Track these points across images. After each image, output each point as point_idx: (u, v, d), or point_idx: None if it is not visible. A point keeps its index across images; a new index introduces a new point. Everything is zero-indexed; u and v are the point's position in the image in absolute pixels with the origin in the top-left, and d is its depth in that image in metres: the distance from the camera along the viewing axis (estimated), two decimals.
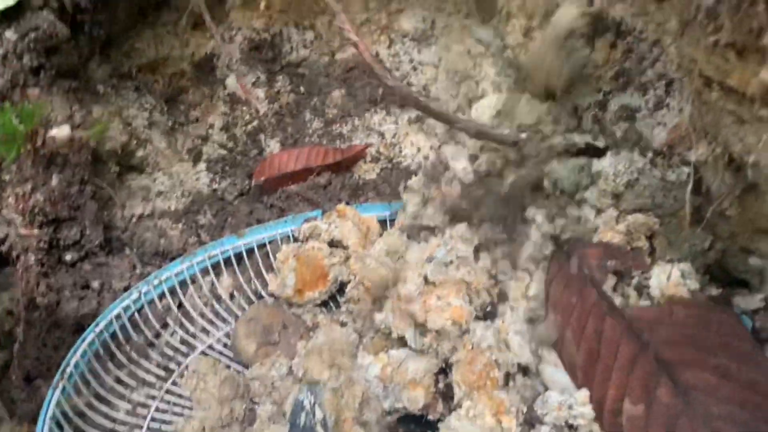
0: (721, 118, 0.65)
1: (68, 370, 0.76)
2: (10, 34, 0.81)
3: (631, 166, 0.79)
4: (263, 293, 0.95)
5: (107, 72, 0.95)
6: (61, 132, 0.83)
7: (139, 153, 1.00)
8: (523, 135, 0.84)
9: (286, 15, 1.13)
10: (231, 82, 1.08)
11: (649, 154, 0.79)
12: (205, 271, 0.95)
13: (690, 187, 0.79)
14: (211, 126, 1.08)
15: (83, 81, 0.91)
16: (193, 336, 0.90)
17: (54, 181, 0.84)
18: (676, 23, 0.69)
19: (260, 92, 1.10)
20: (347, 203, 1.01)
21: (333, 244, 0.94)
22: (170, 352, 0.88)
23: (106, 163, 0.94)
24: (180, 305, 0.92)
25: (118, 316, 0.85)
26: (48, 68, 0.85)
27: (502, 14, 1.12)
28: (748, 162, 0.69)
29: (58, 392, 0.73)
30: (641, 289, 0.76)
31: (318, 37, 1.14)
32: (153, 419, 0.81)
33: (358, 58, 1.16)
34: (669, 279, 0.76)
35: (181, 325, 0.91)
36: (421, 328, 0.75)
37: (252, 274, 0.97)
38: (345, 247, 0.94)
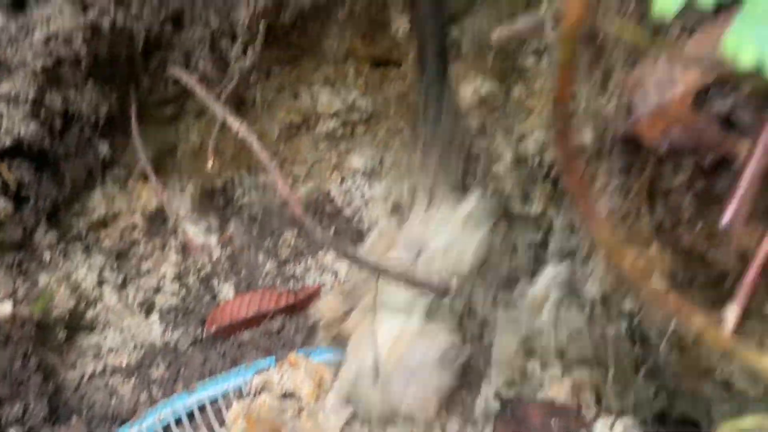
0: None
1: None
2: None
3: (571, 322, 0.81)
4: None
5: (55, 238, 0.97)
6: (2, 309, 0.83)
7: (89, 313, 1.00)
8: (453, 283, 0.86)
9: (238, 160, 1.16)
10: (183, 231, 1.09)
11: (587, 309, 0.80)
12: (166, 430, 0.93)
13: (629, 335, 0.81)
14: (164, 276, 1.09)
15: (29, 251, 0.92)
16: None
17: None
18: None
19: (213, 238, 1.12)
20: (302, 348, 1.01)
21: (286, 395, 0.94)
22: None
23: (53, 329, 0.94)
24: None
25: None
26: None
27: None
28: None
29: None
30: None
31: (270, 179, 1.17)
32: None
33: (311, 197, 1.19)
34: None
35: None
36: None
37: None
38: (299, 399, 0.93)
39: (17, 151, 0.89)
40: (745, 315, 0.38)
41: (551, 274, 0.89)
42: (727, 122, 0.47)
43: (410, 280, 0.86)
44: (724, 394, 0.81)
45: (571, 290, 0.82)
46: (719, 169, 0.48)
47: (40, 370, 0.90)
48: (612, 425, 0.77)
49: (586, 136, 0.54)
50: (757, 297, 0.42)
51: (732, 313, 0.35)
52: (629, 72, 0.48)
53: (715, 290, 0.57)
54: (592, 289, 0.80)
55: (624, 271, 0.34)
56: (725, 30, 0.24)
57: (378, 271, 0.86)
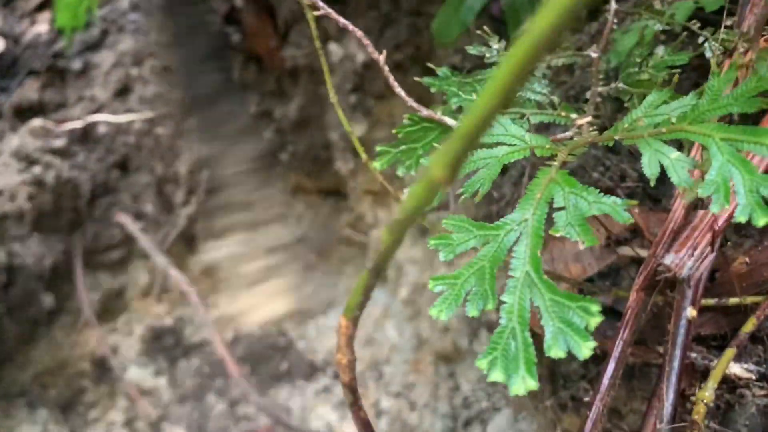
0: None
1: None
2: None
3: None
4: None
5: None
6: None
7: None
8: None
9: (185, 299, 1.16)
10: (130, 375, 1.08)
11: None
12: None
13: None
14: (112, 423, 1.06)
15: None
16: None
17: None
18: None
19: (162, 381, 1.10)
20: None
21: None
22: None
23: None
24: None
25: None
26: None
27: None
28: None
29: None
30: None
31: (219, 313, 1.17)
32: None
33: (265, 329, 1.19)
34: None
35: None
36: None
37: None
38: None
39: None
40: None
41: None
42: (610, 311, 0.48)
43: None
44: None
45: None
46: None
47: None
48: None
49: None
50: None
51: None
52: None
53: None
54: None
55: None
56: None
57: None
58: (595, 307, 0.25)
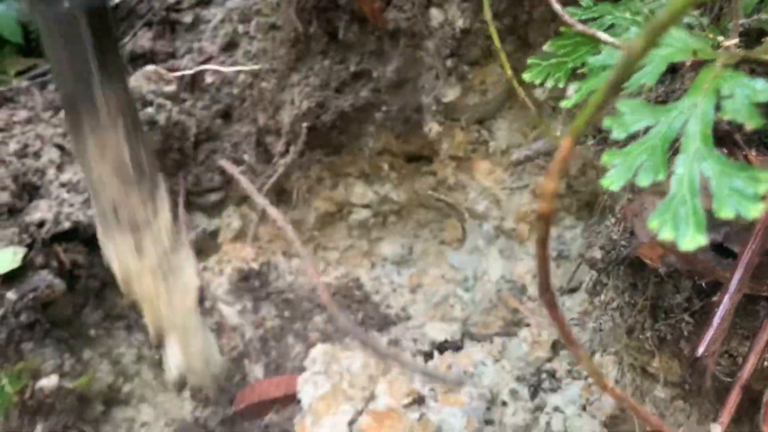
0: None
1: None
2: (11, 295, 0.90)
3: None
4: None
5: (100, 316, 1.03)
6: (49, 383, 0.89)
7: (126, 388, 1.05)
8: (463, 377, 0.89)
9: (274, 245, 1.22)
10: (219, 312, 1.15)
11: None
12: None
13: None
14: None
15: (76, 328, 0.99)
16: None
17: (38, 429, 0.89)
18: None
19: (247, 319, 1.17)
20: None
21: None
22: None
23: (92, 402, 0.99)
24: None
25: None
26: (43, 322, 0.92)
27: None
28: None
29: None
30: None
31: (303, 265, 1.23)
32: None
33: (341, 282, 1.24)
34: None
35: None
36: None
37: None
38: None
39: (74, 234, 0.96)
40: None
41: None
42: (721, 249, 0.51)
43: (429, 374, 0.90)
44: None
45: None
46: (716, 289, 0.52)
47: None
48: None
49: (596, 253, 0.59)
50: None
51: (715, 429, 0.38)
52: (631, 200, 0.53)
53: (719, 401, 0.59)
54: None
55: (614, 394, 0.38)
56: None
57: (396, 362, 0.90)
58: (764, 176, 0.28)
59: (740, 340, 0.54)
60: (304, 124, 1.05)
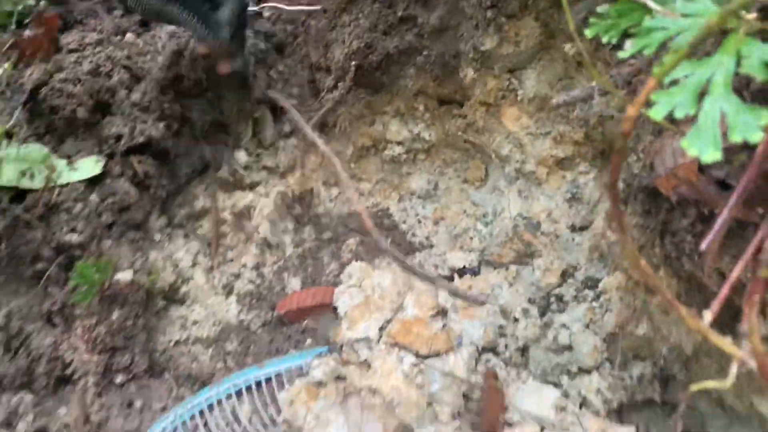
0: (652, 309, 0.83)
1: None
2: (93, 197, 1.02)
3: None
4: (276, 418, 1.10)
5: (164, 223, 1.16)
6: (124, 276, 1.02)
7: (183, 289, 1.18)
8: (486, 298, 1.03)
9: (316, 174, 1.34)
10: (265, 229, 1.28)
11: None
12: (228, 397, 1.11)
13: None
14: (244, 265, 1.27)
15: (144, 232, 1.11)
16: None
17: (114, 315, 1.02)
18: None
19: (288, 238, 1.30)
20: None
21: (339, 378, 1.10)
22: None
23: (154, 298, 1.12)
24: (206, 425, 1.07)
25: None
26: (119, 224, 1.05)
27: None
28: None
29: None
30: None
31: (341, 192, 1.35)
32: None
33: (372, 211, 1.37)
34: None
35: None
36: None
37: (268, 400, 1.12)
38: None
39: (146, 147, 1.08)
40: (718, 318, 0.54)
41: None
42: (722, 184, 0.63)
43: (455, 292, 1.04)
44: (717, 410, 0.96)
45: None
46: (715, 217, 0.65)
47: (145, 330, 1.08)
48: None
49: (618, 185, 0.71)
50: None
51: (707, 315, 0.51)
52: (653, 141, 0.64)
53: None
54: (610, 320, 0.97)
55: (642, 271, 0.50)
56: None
57: (432, 282, 1.03)
58: (765, 113, 0.40)
59: (731, 260, 0.67)
60: (353, 62, 1.15)
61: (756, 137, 0.40)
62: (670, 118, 0.43)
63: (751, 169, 0.54)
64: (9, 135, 1.02)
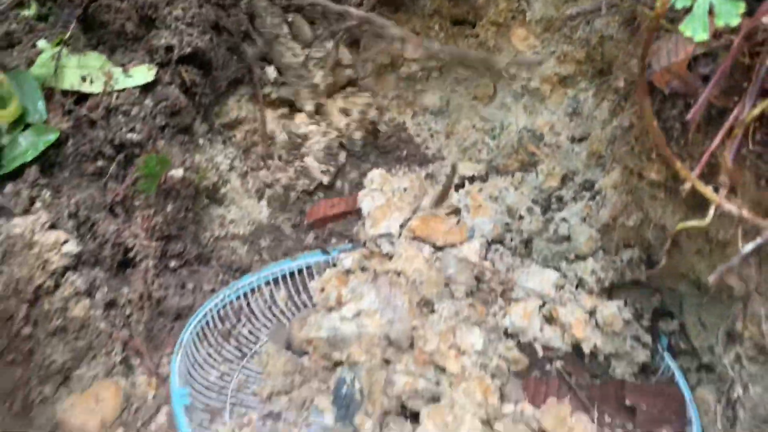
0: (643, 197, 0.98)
1: (182, 342, 1.06)
2: (148, 101, 1.13)
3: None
4: (308, 303, 1.26)
5: (206, 129, 1.27)
6: (177, 173, 1.15)
7: (222, 190, 1.31)
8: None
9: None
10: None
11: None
12: (267, 284, 1.26)
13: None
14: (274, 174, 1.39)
15: (191, 135, 1.23)
16: (258, 329, 1.21)
17: (169, 207, 1.16)
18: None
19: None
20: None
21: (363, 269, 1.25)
22: (243, 340, 1.18)
23: (200, 196, 1.26)
24: (249, 306, 1.22)
25: (209, 310, 1.16)
26: (171, 126, 1.16)
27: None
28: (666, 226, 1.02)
29: (177, 357, 1.03)
30: None
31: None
32: (237, 383, 1.10)
33: (390, 124, 1.49)
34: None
35: (249, 321, 1.21)
36: None
37: (300, 288, 1.27)
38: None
39: (193, 58, 1.19)
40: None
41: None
42: (706, 79, 0.77)
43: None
44: (693, 290, 1.13)
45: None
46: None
47: (194, 222, 1.22)
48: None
49: (620, 82, 0.84)
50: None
51: (697, 169, 0.65)
52: (651, 44, 0.77)
53: None
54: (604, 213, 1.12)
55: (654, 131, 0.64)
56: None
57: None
58: (742, 3, 0.53)
59: (708, 145, 0.81)
60: None
61: (734, 21, 0.53)
62: (670, 19, 0.56)
63: (726, 62, 0.67)
64: (67, 44, 1.13)
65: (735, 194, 0.81)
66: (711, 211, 0.64)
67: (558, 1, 1.33)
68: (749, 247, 0.64)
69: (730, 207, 0.66)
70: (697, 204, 0.90)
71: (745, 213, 0.67)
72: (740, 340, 0.98)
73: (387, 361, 1.07)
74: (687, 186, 0.68)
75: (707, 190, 0.63)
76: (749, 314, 0.90)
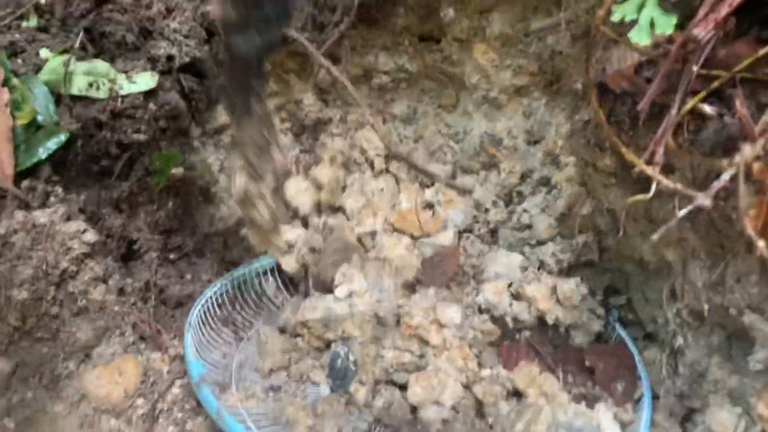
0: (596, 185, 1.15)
1: (191, 322, 1.16)
2: (152, 105, 1.23)
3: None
4: (295, 292, 1.37)
5: (200, 132, 1.38)
6: (178, 171, 1.25)
7: (213, 189, 1.41)
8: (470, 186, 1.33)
9: (332, 96, 1.59)
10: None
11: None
12: (257, 275, 1.37)
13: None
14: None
15: (187, 138, 1.34)
16: (251, 315, 1.31)
17: (170, 203, 1.25)
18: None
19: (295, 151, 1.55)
20: None
21: None
22: (240, 325, 1.28)
23: (195, 194, 1.36)
24: (242, 295, 1.33)
25: (209, 298, 1.25)
26: (172, 128, 1.27)
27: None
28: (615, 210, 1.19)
29: (189, 334, 1.13)
30: None
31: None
32: (238, 362, 1.20)
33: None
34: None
35: (242, 308, 1.32)
36: None
37: (287, 281, 1.39)
38: None
39: (191, 67, 1.30)
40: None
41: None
42: (649, 81, 0.94)
43: (447, 182, 1.33)
44: (638, 270, 1.30)
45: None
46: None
47: (191, 218, 1.31)
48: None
49: (578, 85, 1.00)
50: None
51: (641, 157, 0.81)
52: (604, 52, 0.94)
53: None
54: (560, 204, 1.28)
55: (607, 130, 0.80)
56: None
57: (427, 173, 1.31)
58: (675, 17, 0.69)
59: (651, 136, 0.98)
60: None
61: (669, 30, 0.70)
62: (620, 29, 0.72)
63: (665, 67, 0.84)
64: (70, 52, 1.22)
65: (673, 173, 0.98)
66: (653, 187, 0.80)
67: (512, 19, 1.51)
68: (683, 212, 0.80)
69: (668, 182, 0.83)
70: (642, 188, 1.07)
71: (680, 187, 0.83)
72: (679, 307, 1.16)
73: (377, 338, 1.19)
74: (636, 170, 0.84)
75: (649, 169, 0.79)
76: (687, 280, 1.07)
